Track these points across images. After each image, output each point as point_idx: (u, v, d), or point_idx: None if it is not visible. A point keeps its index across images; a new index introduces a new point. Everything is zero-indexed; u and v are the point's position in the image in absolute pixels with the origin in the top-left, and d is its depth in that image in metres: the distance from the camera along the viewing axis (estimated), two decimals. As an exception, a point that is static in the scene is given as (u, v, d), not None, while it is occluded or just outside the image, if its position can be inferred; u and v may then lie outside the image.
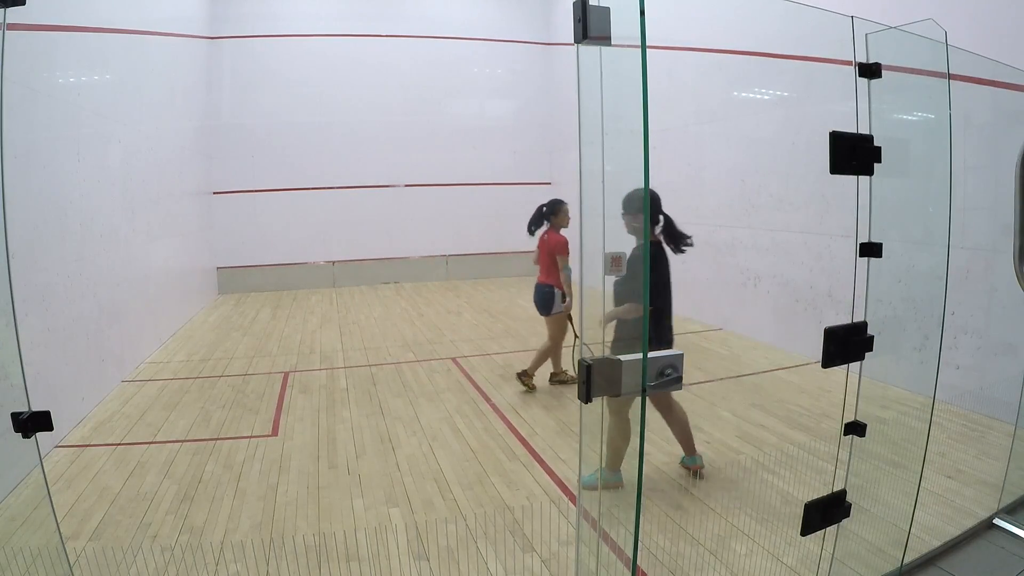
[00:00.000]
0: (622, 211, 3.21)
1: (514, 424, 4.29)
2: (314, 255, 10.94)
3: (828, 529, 2.21)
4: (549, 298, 4.80)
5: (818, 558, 2.31)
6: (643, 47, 1.38)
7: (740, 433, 4.05)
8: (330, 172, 10.79)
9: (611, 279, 1.58)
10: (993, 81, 3.66)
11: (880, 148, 2.02)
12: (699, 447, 3.85)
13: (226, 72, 10.07)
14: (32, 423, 1.70)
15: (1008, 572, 2.53)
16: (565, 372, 5.09)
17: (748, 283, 6.67)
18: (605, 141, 1.49)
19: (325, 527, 2.98)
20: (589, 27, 1.42)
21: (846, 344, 2.03)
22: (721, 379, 4.47)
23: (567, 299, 4.78)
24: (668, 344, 3.35)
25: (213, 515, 3.11)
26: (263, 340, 7.07)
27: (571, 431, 4.11)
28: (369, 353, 6.38)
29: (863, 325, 2.07)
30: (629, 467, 1.56)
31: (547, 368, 5.11)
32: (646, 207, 1.62)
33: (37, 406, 1.74)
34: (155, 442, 4.07)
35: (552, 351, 4.97)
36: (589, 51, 1.44)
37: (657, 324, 3.17)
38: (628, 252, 3.17)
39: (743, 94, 6.87)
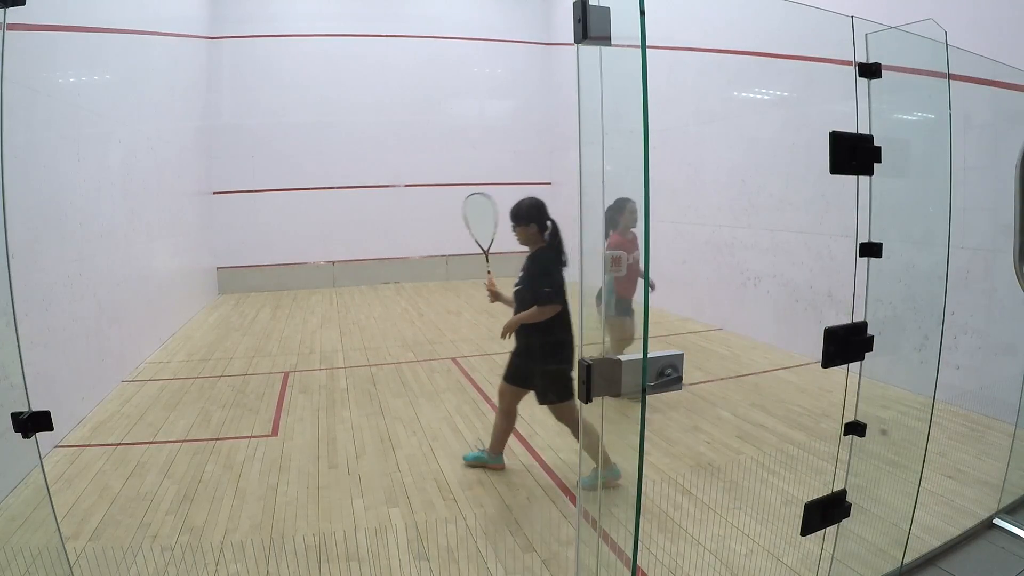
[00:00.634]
0: (512, 224, 3.25)
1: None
2: (314, 255, 10.94)
3: (828, 529, 2.21)
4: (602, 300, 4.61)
5: (818, 558, 2.31)
6: (643, 47, 1.38)
7: (740, 433, 4.05)
8: (330, 172, 10.79)
9: (611, 279, 1.58)
10: (993, 81, 3.65)
11: (880, 148, 2.02)
12: (699, 447, 3.86)
13: (226, 72, 10.06)
14: (32, 423, 1.70)
15: (1008, 572, 2.53)
16: None
17: (748, 283, 6.67)
18: (605, 141, 1.49)
19: (325, 527, 2.98)
20: (589, 27, 1.42)
21: (846, 344, 2.03)
22: (721, 379, 4.47)
23: (630, 305, 4.54)
24: (569, 347, 3.34)
25: (213, 515, 3.11)
26: (263, 340, 7.07)
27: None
28: (369, 353, 6.38)
29: (863, 325, 2.07)
30: (629, 467, 1.56)
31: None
32: (646, 207, 1.62)
33: (37, 406, 1.74)
34: (155, 442, 4.06)
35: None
36: (589, 51, 1.44)
37: (556, 325, 3.21)
38: (536, 259, 3.21)
39: (743, 94, 6.87)
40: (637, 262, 4.53)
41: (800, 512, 2.11)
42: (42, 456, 2.20)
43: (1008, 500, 2.96)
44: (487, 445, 3.58)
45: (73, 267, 4.55)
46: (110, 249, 5.37)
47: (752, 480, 3.39)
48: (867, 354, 2.07)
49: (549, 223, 3.26)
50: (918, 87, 2.43)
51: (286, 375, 5.63)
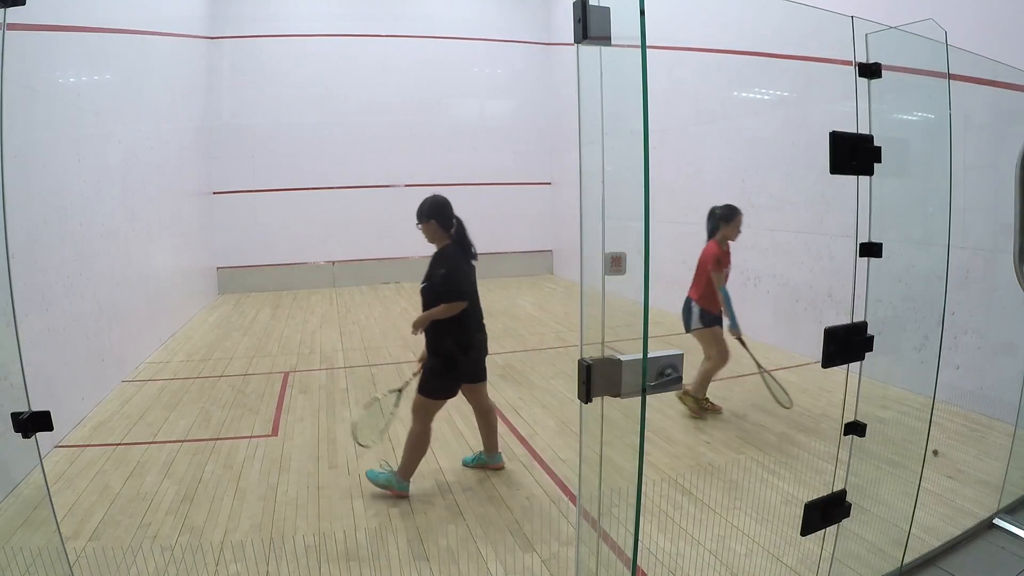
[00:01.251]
0: (416, 221, 3.26)
1: (514, 424, 4.29)
2: (314, 255, 10.94)
3: (828, 529, 2.21)
4: (687, 313, 4.35)
5: (818, 558, 2.31)
6: (643, 47, 1.38)
7: (740, 433, 4.05)
8: (330, 172, 10.79)
9: (611, 279, 1.58)
10: (993, 81, 3.65)
11: (880, 148, 2.02)
12: (699, 447, 3.86)
13: (226, 72, 10.07)
14: (32, 423, 1.70)
15: (1008, 572, 2.53)
16: (707, 400, 4.40)
17: (748, 283, 6.66)
18: (605, 141, 1.49)
19: (325, 527, 2.98)
20: (589, 27, 1.41)
21: (846, 344, 2.03)
22: (721, 379, 4.47)
23: (719, 319, 4.29)
24: (483, 346, 3.48)
25: (213, 515, 3.11)
26: (263, 340, 7.06)
27: (571, 431, 4.11)
28: (369, 353, 6.38)
29: (863, 325, 2.07)
30: (629, 467, 1.56)
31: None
32: (646, 207, 1.62)
33: (37, 406, 1.74)
34: (155, 442, 4.06)
35: (711, 371, 4.33)
36: (589, 51, 1.44)
37: (466, 322, 3.26)
38: (441, 256, 3.22)
39: (743, 94, 6.87)
40: (726, 277, 4.36)
41: (800, 512, 2.11)
42: (42, 456, 2.20)
43: (1008, 500, 2.96)
44: (483, 448, 3.60)
45: (73, 267, 4.55)
46: (110, 249, 5.37)
47: (752, 480, 3.39)
48: (867, 354, 2.07)
49: (454, 220, 3.26)
50: (918, 87, 2.43)
51: (286, 375, 5.63)
